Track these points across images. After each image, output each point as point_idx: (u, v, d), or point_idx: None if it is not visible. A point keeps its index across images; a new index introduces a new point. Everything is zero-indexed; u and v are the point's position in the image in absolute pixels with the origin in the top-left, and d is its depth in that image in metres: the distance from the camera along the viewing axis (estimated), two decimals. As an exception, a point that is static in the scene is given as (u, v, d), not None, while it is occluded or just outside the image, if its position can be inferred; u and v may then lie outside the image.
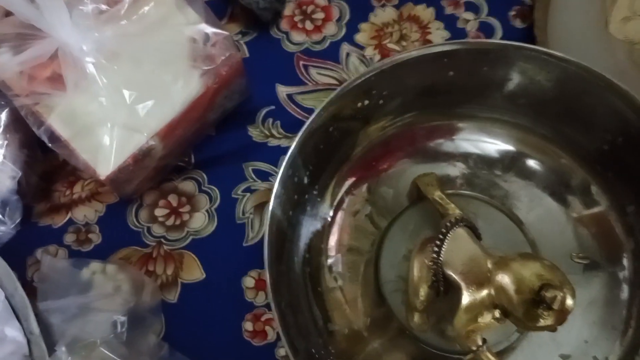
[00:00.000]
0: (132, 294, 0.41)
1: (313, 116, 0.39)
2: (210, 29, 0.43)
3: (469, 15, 0.53)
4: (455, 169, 0.47)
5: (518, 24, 0.53)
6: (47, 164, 0.47)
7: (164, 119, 0.42)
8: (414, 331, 0.43)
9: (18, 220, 0.43)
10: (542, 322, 0.32)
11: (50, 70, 0.41)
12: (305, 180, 0.43)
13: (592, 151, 0.43)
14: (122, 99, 0.41)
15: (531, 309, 0.32)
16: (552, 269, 0.32)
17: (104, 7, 0.40)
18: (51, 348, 0.37)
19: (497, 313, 0.33)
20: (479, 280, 0.37)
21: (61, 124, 0.41)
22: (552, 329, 0.34)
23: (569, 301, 0.31)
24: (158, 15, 0.42)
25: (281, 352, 0.44)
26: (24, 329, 0.37)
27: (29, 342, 0.36)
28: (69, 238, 0.47)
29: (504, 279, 0.33)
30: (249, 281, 0.46)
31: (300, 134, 0.39)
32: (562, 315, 0.32)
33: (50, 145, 0.42)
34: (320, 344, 0.41)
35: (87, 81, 0.40)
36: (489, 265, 0.35)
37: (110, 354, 0.37)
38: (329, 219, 0.45)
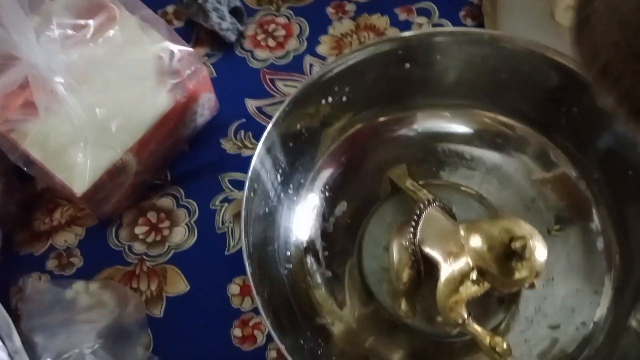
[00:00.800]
0: (117, 306, 0.41)
1: (278, 112, 0.40)
2: (175, 47, 0.45)
3: (421, 20, 0.56)
4: (425, 159, 0.48)
5: (469, 22, 0.55)
6: (26, 193, 0.48)
7: (136, 134, 0.44)
8: (403, 319, 0.43)
9: (-1, 250, 0.43)
10: (517, 275, 0.33)
11: (23, 99, 0.43)
12: (279, 178, 0.44)
13: (550, 124, 0.45)
14: (93, 116, 0.42)
15: (505, 263, 0.33)
16: (519, 223, 0.33)
17: (70, 32, 0.42)
18: (36, 364, 0.36)
19: (474, 275, 0.34)
20: (455, 251, 0.38)
21: (35, 148, 0.42)
22: (530, 284, 0.34)
23: (540, 249, 0.32)
24: (123, 37, 0.45)
25: (272, 354, 0.44)
26: (7, 348, 0.36)
27: (13, 361, 0.36)
28: (51, 264, 0.47)
29: (476, 240, 0.34)
30: (234, 288, 0.46)
31: (266, 131, 0.40)
32: (536, 264, 0.32)
33: (25, 169, 0.43)
34: (309, 336, 0.41)
35: (58, 103, 0.42)
36: (462, 233, 0.36)
37: (97, 364, 0.37)
38: (307, 217, 0.46)
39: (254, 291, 0.36)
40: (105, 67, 0.43)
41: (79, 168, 0.42)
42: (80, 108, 0.42)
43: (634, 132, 0.34)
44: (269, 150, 0.41)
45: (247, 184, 0.38)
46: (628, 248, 0.43)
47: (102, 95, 0.43)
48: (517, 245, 0.31)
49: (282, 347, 0.34)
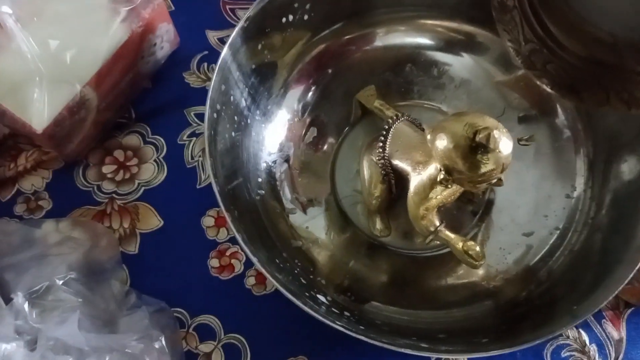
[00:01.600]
0: (88, 240, 0.41)
1: (236, 30, 0.39)
2: (126, -26, 0.43)
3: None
4: (393, 81, 0.48)
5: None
6: (-14, 141, 0.47)
7: (93, 67, 0.42)
8: (379, 238, 0.43)
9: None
10: (483, 168, 0.32)
11: (-29, 38, 0.41)
12: (244, 102, 0.43)
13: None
14: (47, 50, 0.41)
15: (470, 157, 0.32)
16: (483, 117, 0.33)
17: (13, -38, 0.41)
18: (8, 300, 0.36)
19: (441, 175, 0.34)
20: (423, 159, 0.38)
21: (-11, 87, 0.41)
22: (497, 180, 0.34)
23: (504, 141, 0.32)
24: (71, -35, 0.43)
25: (250, 281, 0.44)
26: (-23, 289, 0.36)
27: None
28: (20, 208, 0.46)
29: (441, 139, 0.33)
30: (208, 220, 0.46)
31: (225, 47, 0.39)
32: (501, 156, 0.32)
33: (-18, 110, 0.41)
34: (285, 257, 0.41)
35: (9, 38, 0.40)
36: (429, 137, 0.36)
37: (71, 295, 0.36)
38: (277, 143, 0.45)
39: (222, 207, 0.35)
40: (54, -3, 0.41)
41: (37, 104, 0.41)
42: (32, 41, 0.40)
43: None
44: (230, 70, 0.40)
45: (208, 102, 0.37)
46: (594, 144, 0.43)
47: (54, 27, 0.41)
48: (481, 136, 0.31)
49: (255, 260, 0.34)
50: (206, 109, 0.38)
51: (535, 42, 0.30)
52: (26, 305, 0.35)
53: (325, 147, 0.46)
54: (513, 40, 0.31)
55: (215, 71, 0.39)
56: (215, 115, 0.38)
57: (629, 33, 0.29)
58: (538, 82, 0.32)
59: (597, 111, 0.40)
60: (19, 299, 0.35)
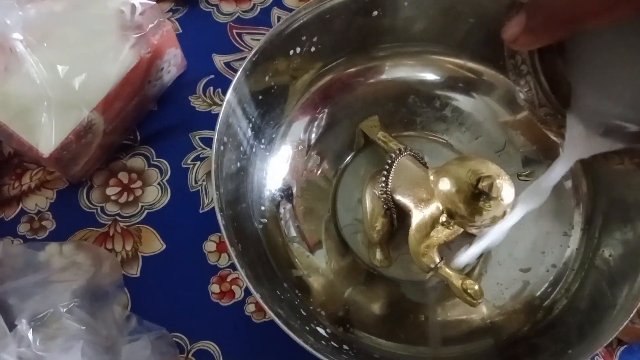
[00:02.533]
0: (91, 266, 0.41)
1: (245, 63, 0.40)
2: (136, 0, 0.44)
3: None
4: (396, 110, 0.48)
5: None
6: (-8, 159, 0.47)
7: (101, 92, 0.42)
8: (379, 269, 0.44)
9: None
10: (485, 215, 0.33)
11: (-19, 61, 0.41)
12: (250, 132, 0.43)
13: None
14: (55, 75, 0.41)
15: (473, 203, 0.33)
16: (486, 164, 0.34)
17: (25, -13, 0.41)
18: (12, 326, 0.36)
19: (443, 217, 0.34)
20: (426, 197, 0.39)
21: (-2, 109, 0.41)
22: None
23: (507, 188, 0.33)
24: (82, -9, 0.43)
25: (250, 307, 0.45)
26: (-19, 312, 0.36)
27: (-13, 326, 0.36)
28: (23, 228, 0.46)
29: (444, 182, 0.34)
30: (210, 245, 0.46)
31: (233, 83, 0.39)
32: (503, 204, 0.33)
33: (-10, 132, 0.42)
34: (286, 288, 0.42)
35: (18, 62, 0.41)
36: (432, 177, 0.36)
37: (74, 323, 0.37)
38: (281, 172, 0.46)
39: (227, 242, 0.36)
40: (64, 22, 0.42)
41: (45, 128, 0.41)
42: (42, 66, 0.41)
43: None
44: (238, 102, 0.41)
45: (215, 137, 0.38)
46: (595, 187, 0.44)
47: (63, 53, 0.41)
48: (484, 184, 0.32)
49: (257, 296, 0.34)
50: (214, 143, 0.38)
51: (550, 107, 0.31)
52: (30, 333, 0.35)
53: (327, 174, 0.47)
54: (528, 101, 0.31)
55: (224, 103, 0.39)
56: (222, 148, 0.39)
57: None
58: (554, 138, 0.33)
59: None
60: (22, 326, 0.35)
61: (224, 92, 0.50)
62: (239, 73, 0.39)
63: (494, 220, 0.33)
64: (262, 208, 0.44)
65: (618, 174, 0.41)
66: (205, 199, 0.48)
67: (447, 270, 0.39)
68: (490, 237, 0.36)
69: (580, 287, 0.42)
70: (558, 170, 0.33)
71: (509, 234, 0.44)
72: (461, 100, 0.47)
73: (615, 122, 0.30)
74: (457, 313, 0.42)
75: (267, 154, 0.46)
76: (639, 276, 0.38)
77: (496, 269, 0.44)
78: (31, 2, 0.41)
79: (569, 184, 0.44)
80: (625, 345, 0.45)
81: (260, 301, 0.35)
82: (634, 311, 0.36)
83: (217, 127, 0.39)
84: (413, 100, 0.48)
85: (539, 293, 0.43)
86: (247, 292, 0.45)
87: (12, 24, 0.39)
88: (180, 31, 0.52)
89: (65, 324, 0.37)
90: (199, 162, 0.48)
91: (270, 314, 0.34)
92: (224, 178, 0.40)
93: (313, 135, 0.47)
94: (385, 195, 0.41)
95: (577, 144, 0.32)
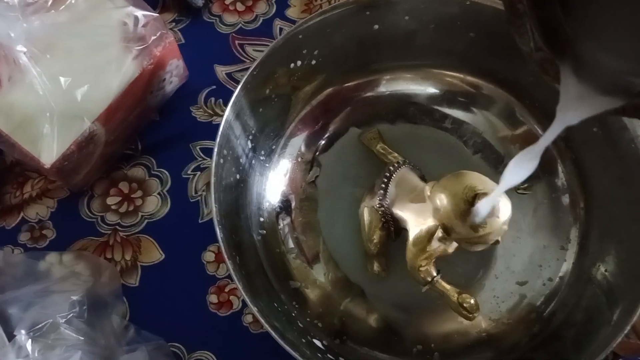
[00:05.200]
0: (91, 276, 0.41)
1: (246, 76, 0.40)
2: (139, 12, 0.44)
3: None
4: (397, 123, 0.48)
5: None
6: (-6, 167, 0.47)
7: (103, 103, 0.43)
8: (377, 279, 0.44)
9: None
10: (481, 232, 0.33)
11: (-16, 72, 0.42)
12: (249, 144, 0.44)
13: (517, 82, 0.45)
14: (58, 86, 0.41)
15: (469, 219, 0.33)
16: (482, 180, 0.34)
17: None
18: (11, 336, 0.37)
19: (439, 232, 0.35)
20: (423, 211, 0.39)
21: (0, 120, 0.42)
22: (495, 241, 0.35)
23: (503, 205, 0.33)
24: (85, 3, 0.43)
25: (248, 318, 0.45)
26: (-19, 321, 0.36)
27: (-13, 334, 0.36)
28: (24, 237, 0.46)
29: (441, 198, 0.34)
30: (209, 256, 0.46)
31: (234, 95, 0.40)
32: (499, 221, 0.33)
33: (-9, 142, 0.42)
34: (283, 300, 0.42)
35: (21, 73, 0.41)
36: (428, 192, 0.37)
37: (72, 333, 0.37)
38: (280, 183, 0.46)
39: (225, 255, 0.36)
40: (68, 34, 0.42)
41: (46, 139, 0.41)
42: (45, 77, 0.41)
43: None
44: (237, 115, 0.41)
45: (215, 149, 0.38)
46: (592, 202, 0.44)
47: (66, 64, 0.42)
48: (479, 202, 0.32)
49: (254, 310, 0.35)
50: (213, 156, 0.38)
51: (547, 51, 0.29)
52: (29, 343, 0.36)
53: (326, 186, 0.47)
54: (525, 44, 0.29)
55: (224, 117, 0.39)
56: (222, 160, 0.39)
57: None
58: (552, 83, 0.31)
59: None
60: (21, 336, 0.36)
61: (225, 103, 0.50)
62: (239, 87, 0.40)
63: (490, 237, 0.34)
64: (261, 219, 0.45)
65: (615, 190, 0.42)
66: (204, 209, 0.48)
67: (444, 284, 0.39)
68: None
69: (577, 301, 0.42)
70: (553, 129, 0.30)
71: (507, 246, 0.45)
72: (461, 115, 0.48)
73: (616, 77, 0.27)
74: (453, 324, 0.42)
75: (267, 166, 0.46)
76: (635, 291, 0.38)
77: (493, 281, 0.45)
78: (35, 14, 0.41)
79: (566, 199, 0.45)
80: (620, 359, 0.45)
81: (258, 315, 0.35)
82: (629, 326, 0.36)
83: (217, 140, 0.39)
84: (412, 112, 0.48)
85: (535, 306, 0.43)
86: (245, 303, 0.45)
87: (16, 35, 0.40)
88: (183, 41, 0.52)
89: (63, 334, 0.37)
90: (199, 173, 0.49)
91: (267, 328, 0.35)
92: (223, 190, 0.41)
93: (313, 147, 0.47)
94: (382, 208, 0.41)
95: (571, 100, 0.28)
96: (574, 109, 0.29)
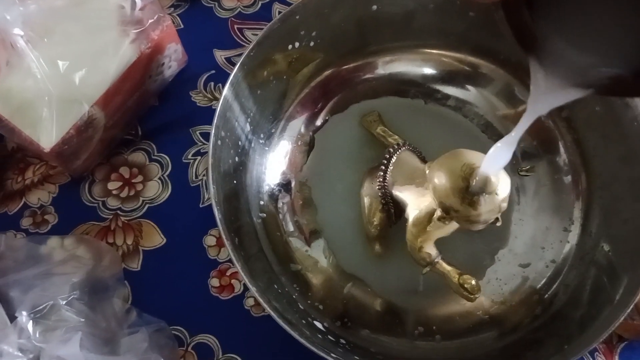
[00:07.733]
0: (91, 259, 0.42)
1: (243, 57, 0.40)
2: (136, -4, 0.44)
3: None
4: (397, 104, 0.48)
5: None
6: (-4, 154, 0.48)
7: (101, 87, 0.43)
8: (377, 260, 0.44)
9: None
10: (480, 209, 0.33)
11: (-18, 57, 0.42)
12: (248, 127, 0.43)
13: (517, 60, 0.45)
14: (56, 70, 0.41)
15: (467, 198, 0.33)
16: (480, 157, 0.33)
17: (26, -17, 0.41)
18: (13, 318, 0.37)
19: (438, 211, 0.34)
20: (423, 192, 0.38)
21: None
22: (494, 220, 0.35)
23: (502, 183, 0.32)
24: (83, -13, 0.43)
25: (249, 302, 0.45)
26: (-18, 304, 0.37)
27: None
28: (26, 222, 0.47)
29: (439, 176, 0.34)
30: (210, 240, 0.46)
31: (230, 76, 0.39)
32: (498, 198, 0.33)
33: (-8, 127, 0.42)
34: (283, 282, 0.42)
35: (19, 57, 0.41)
36: (427, 172, 0.36)
37: (73, 315, 0.37)
38: (280, 166, 0.46)
39: (223, 235, 0.36)
40: (65, 18, 0.42)
41: (45, 123, 0.41)
42: (42, 61, 0.41)
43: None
44: (235, 96, 0.41)
45: (213, 130, 0.38)
46: (594, 183, 0.43)
47: (64, 48, 0.42)
48: (478, 178, 0.32)
49: (253, 289, 0.35)
50: (210, 137, 0.38)
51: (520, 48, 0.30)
52: (30, 324, 0.36)
53: (327, 169, 0.47)
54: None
55: (221, 98, 0.39)
56: (219, 142, 0.39)
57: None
58: None
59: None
60: (23, 317, 0.36)
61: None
62: (236, 67, 0.39)
63: (490, 215, 0.33)
64: (261, 202, 0.45)
65: (617, 169, 0.41)
66: (205, 193, 0.48)
67: (445, 265, 0.39)
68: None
69: (580, 282, 0.41)
70: (525, 120, 0.31)
71: (510, 228, 0.45)
72: (461, 94, 0.47)
73: (582, 70, 0.28)
74: (455, 306, 0.42)
75: (266, 148, 0.46)
76: (638, 270, 0.37)
77: (495, 264, 0.44)
78: (32, -2, 0.41)
79: (568, 179, 0.44)
80: (626, 342, 0.44)
81: (256, 295, 0.35)
82: (632, 305, 0.36)
83: (215, 121, 0.39)
84: (414, 93, 0.48)
85: (536, 288, 0.43)
86: (246, 287, 0.45)
87: (12, 19, 0.40)
88: (182, 26, 0.52)
89: (64, 316, 0.37)
90: (199, 157, 0.49)
91: (265, 306, 0.35)
92: (222, 173, 0.41)
93: (312, 130, 0.47)
94: (383, 190, 0.41)
95: (541, 92, 0.30)
96: (543, 100, 0.30)
